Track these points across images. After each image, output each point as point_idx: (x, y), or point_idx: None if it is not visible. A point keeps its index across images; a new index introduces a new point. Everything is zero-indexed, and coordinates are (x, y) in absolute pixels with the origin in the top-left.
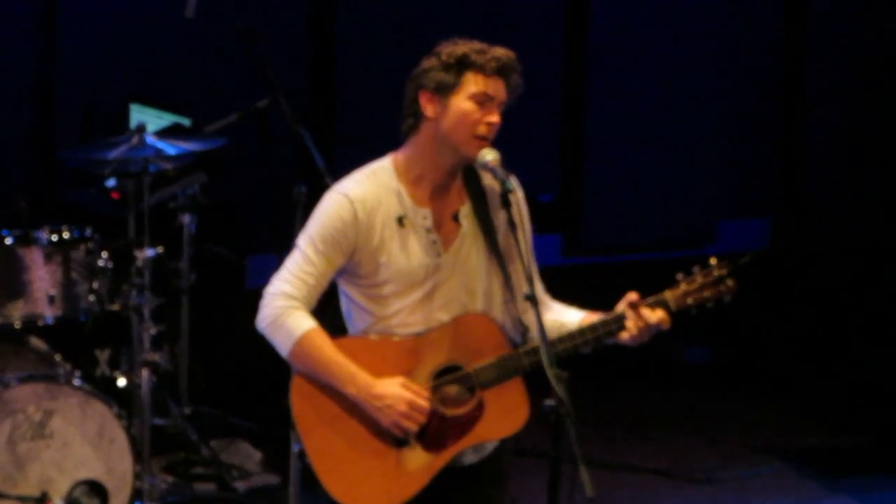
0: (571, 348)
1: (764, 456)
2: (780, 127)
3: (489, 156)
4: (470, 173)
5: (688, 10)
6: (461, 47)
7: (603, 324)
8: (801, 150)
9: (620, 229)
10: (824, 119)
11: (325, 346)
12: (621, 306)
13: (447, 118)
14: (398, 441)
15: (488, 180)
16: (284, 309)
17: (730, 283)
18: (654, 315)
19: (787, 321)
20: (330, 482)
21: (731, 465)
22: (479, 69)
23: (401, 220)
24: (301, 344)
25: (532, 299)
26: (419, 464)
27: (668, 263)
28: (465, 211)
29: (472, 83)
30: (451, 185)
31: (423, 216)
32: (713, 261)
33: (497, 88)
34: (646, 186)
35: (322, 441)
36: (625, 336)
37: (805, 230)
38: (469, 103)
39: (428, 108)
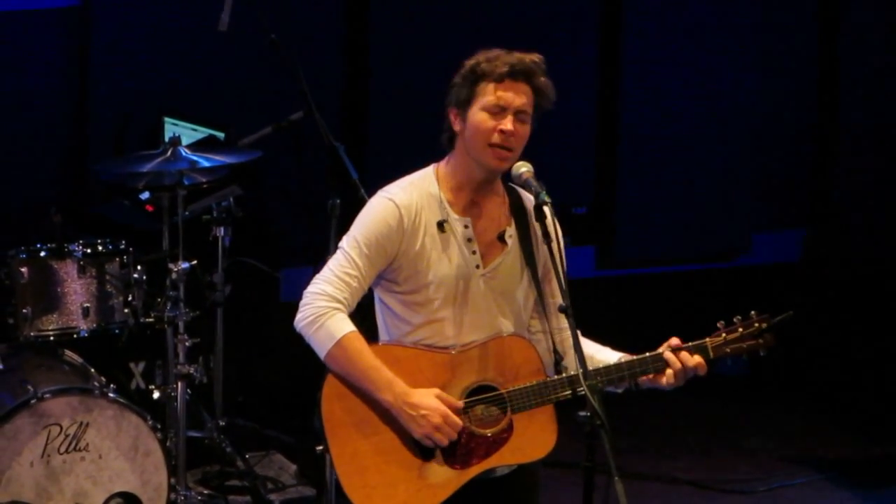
0: (605, 382)
1: (798, 467)
2: (814, 138)
3: (522, 168)
4: (513, 194)
5: (722, 25)
6: (476, 57)
7: (640, 361)
8: (834, 162)
9: (654, 241)
10: (857, 130)
11: (364, 351)
12: (662, 349)
13: (467, 131)
14: (424, 453)
15: (527, 201)
16: (326, 310)
17: (767, 337)
18: (693, 360)
19: (822, 332)
20: (350, 486)
21: (765, 476)
22: (489, 77)
23: (441, 225)
24: (340, 346)
25: (566, 311)
26: (441, 478)
27: (703, 276)
28: (511, 232)
29: (483, 93)
30: (491, 200)
31: (463, 224)
32: (754, 313)
33: (510, 95)
34: (680, 198)
35: (348, 444)
36: (662, 379)
37: (839, 241)
38: (482, 114)
39: (455, 123)
